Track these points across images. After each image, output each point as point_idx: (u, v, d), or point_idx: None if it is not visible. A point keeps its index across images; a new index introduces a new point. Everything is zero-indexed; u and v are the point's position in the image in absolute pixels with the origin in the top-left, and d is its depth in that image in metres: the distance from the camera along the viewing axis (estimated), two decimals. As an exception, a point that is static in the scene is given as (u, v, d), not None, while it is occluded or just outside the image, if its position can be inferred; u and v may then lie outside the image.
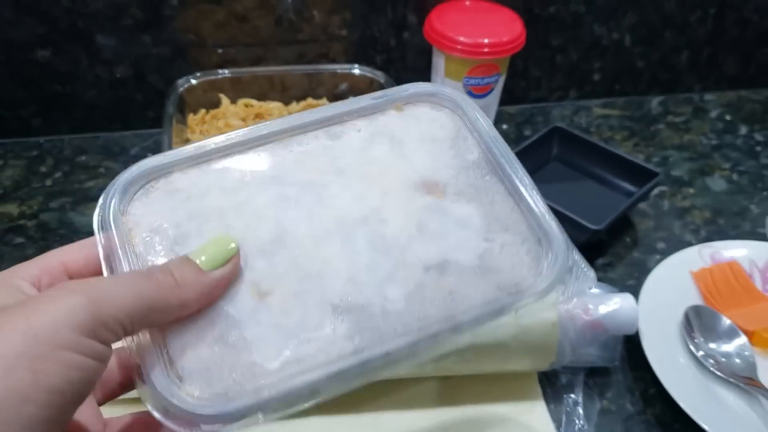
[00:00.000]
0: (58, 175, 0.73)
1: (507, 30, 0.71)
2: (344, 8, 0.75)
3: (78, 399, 0.24)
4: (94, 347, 0.24)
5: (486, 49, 0.69)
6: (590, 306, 0.52)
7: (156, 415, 0.27)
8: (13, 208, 0.69)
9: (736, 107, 0.87)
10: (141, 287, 0.27)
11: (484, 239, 0.33)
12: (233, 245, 0.30)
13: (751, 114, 0.86)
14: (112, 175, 0.72)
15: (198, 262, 0.29)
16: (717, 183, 0.75)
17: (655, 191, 0.74)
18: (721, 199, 0.73)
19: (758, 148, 0.81)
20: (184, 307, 0.28)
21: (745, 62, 0.88)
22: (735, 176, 0.76)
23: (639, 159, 0.72)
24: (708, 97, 0.89)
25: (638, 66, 0.86)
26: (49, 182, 0.72)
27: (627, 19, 0.81)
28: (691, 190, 0.74)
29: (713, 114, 0.86)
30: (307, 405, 0.28)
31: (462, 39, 0.69)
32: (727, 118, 0.85)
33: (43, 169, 0.74)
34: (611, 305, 0.53)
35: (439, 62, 0.73)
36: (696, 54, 0.86)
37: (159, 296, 0.27)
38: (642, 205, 0.72)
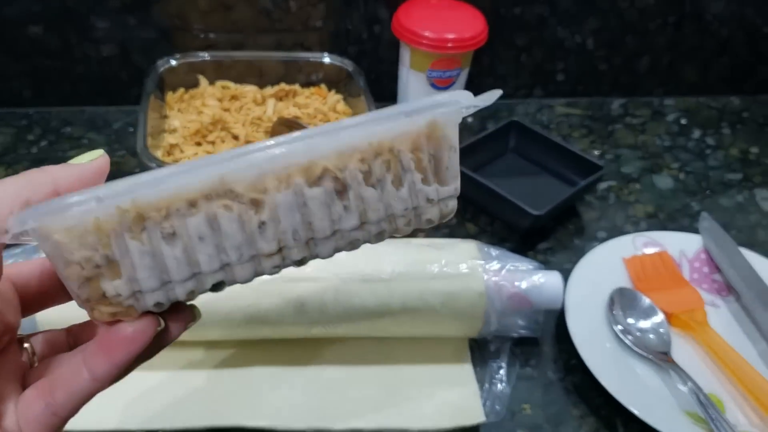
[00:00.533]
0: (44, 143, 0.78)
1: (469, 27, 0.75)
2: (320, 2, 0.80)
3: None
4: None
5: (449, 44, 0.74)
6: (517, 281, 0.57)
7: None
8: (0, 172, 0.74)
9: (694, 112, 0.92)
10: (4, 182, 0.27)
11: None
12: (100, 151, 0.30)
13: (706, 119, 0.91)
14: (94, 146, 0.77)
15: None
16: (664, 181, 0.80)
17: (604, 185, 0.78)
18: (665, 196, 0.78)
19: (708, 151, 0.85)
20: (57, 182, 0.28)
21: (703, 70, 0.92)
22: (681, 175, 0.81)
23: (588, 154, 0.77)
24: (668, 101, 0.93)
25: (600, 68, 0.90)
26: (35, 150, 0.77)
27: (589, 23, 0.86)
28: (638, 186, 0.79)
29: (670, 117, 0.91)
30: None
31: (426, 34, 0.74)
32: (683, 122, 0.90)
33: (31, 137, 0.79)
34: (537, 280, 0.57)
35: (405, 55, 0.78)
36: (656, 60, 0.90)
37: (25, 179, 0.27)
38: (589, 198, 0.76)
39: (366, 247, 0.33)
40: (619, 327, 0.59)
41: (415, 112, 0.30)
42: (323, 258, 0.30)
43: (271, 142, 0.28)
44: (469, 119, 0.87)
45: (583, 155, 0.74)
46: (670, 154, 0.84)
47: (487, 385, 0.56)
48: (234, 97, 0.79)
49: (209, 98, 0.77)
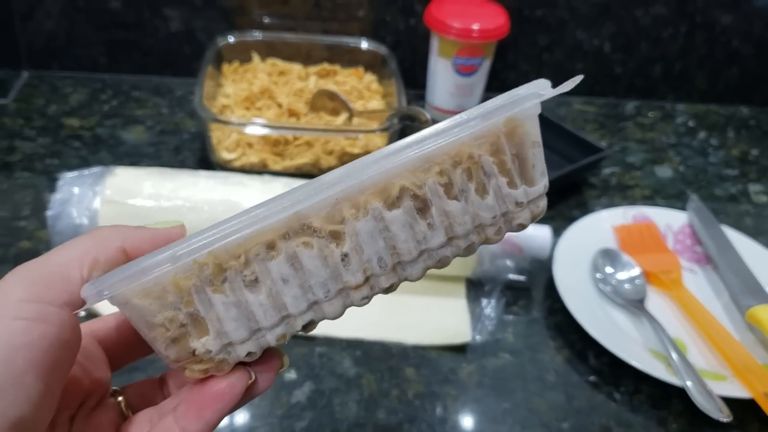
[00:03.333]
0: (114, 103, 0.89)
1: (493, 20, 0.85)
2: (364, -6, 0.91)
3: (43, 361, 0.25)
4: (38, 309, 0.25)
5: (473, 34, 0.84)
6: (511, 227, 0.65)
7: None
8: (75, 122, 0.85)
9: (702, 117, 0.99)
10: (70, 242, 0.28)
11: None
12: (179, 222, 0.30)
13: (713, 124, 0.98)
14: (158, 108, 0.88)
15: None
16: (664, 171, 0.87)
17: (608, 171, 0.86)
18: (663, 183, 0.85)
19: (710, 150, 0.92)
20: (125, 241, 0.28)
21: (713, 79, 1.00)
22: (681, 168, 0.88)
23: (593, 139, 0.85)
24: (679, 107, 1.01)
25: (616, 72, 0.98)
26: (106, 107, 0.88)
27: (606, 28, 0.94)
28: (639, 173, 0.86)
29: (679, 120, 0.98)
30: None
31: (454, 24, 0.84)
32: (691, 124, 0.97)
33: (103, 97, 0.90)
34: (530, 230, 0.66)
35: (434, 43, 0.87)
36: (669, 66, 0.98)
37: (92, 239, 0.28)
38: (593, 180, 0.84)
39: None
40: (599, 275, 0.67)
41: (490, 113, 0.28)
42: (413, 281, 0.29)
43: (341, 169, 0.27)
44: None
45: (589, 140, 0.83)
46: (674, 150, 0.92)
47: (477, 315, 0.64)
48: (281, 73, 0.89)
49: (260, 72, 0.88)
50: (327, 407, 0.56)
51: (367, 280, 0.28)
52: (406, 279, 0.29)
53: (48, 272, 0.26)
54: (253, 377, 0.29)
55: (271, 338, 0.28)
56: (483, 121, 0.28)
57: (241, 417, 0.54)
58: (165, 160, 0.80)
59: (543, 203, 0.30)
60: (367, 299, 0.29)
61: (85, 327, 0.31)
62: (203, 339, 0.27)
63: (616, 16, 0.93)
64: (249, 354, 0.28)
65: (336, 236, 0.27)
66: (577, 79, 0.29)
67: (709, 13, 0.93)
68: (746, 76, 0.99)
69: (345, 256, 0.27)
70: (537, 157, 0.29)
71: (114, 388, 0.33)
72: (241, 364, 0.28)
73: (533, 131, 0.29)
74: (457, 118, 0.28)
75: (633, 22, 0.94)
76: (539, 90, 0.29)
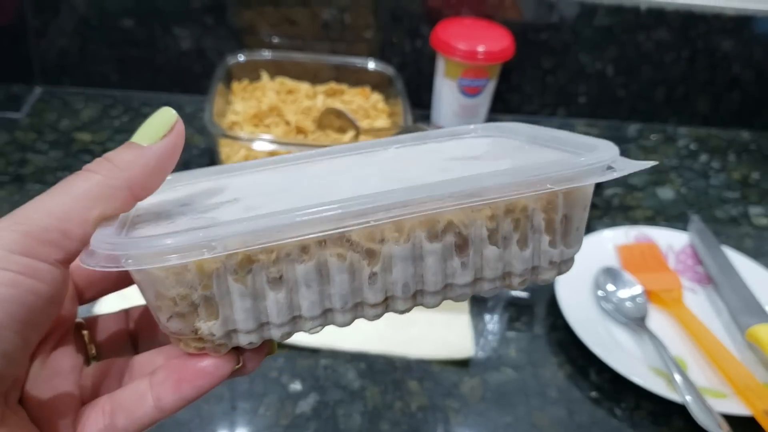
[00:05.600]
0: (125, 119, 0.91)
1: (498, 43, 0.86)
2: (371, 17, 0.92)
3: (24, 317, 0.24)
4: (28, 263, 0.24)
5: (478, 56, 0.85)
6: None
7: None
8: (86, 137, 0.87)
9: (704, 140, 1.00)
10: (73, 186, 0.25)
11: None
12: (172, 113, 0.27)
13: (715, 148, 0.99)
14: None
15: (137, 141, 0.27)
16: (665, 192, 0.89)
17: (610, 192, 0.87)
18: (665, 205, 0.86)
19: (711, 173, 0.94)
20: (133, 187, 0.26)
21: (715, 103, 1.01)
22: (683, 190, 0.89)
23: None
24: (681, 130, 1.02)
25: (619, 95, 1.00)
26: (117, 123, 0.90)
27: (609, 52, 0.96)
28: (641, 195, 0.87)
29: (681, 143, 0.99)
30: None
31: (459, 46, 0.85)
32: (692, 147, 0.99)
33: (114, 113, 0.92)
34: (532, 247, 0.67)
35: (440, 64, 0.89)
36: (671, 90, 1.00)
37: (98, 185, 0.25)
38: (596, 200, 0.85)
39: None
40: (601, 293, 0.68)
41: (561, 179, 0.27)
42: (427, 308, 0.29)
43: (394, 188, 0.26)
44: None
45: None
46: (675, 172, 0.93)
47: (480, 331, 0.65)
48: (290, 91, 0.91)
49: (268, 90, 0.90)
50: (331, 418, 0.56)
51: (385, 300, 0.28)
52: (421, 305, 0.29)
53: (46, 225, 0.24)
54: (241, 363, 0.28)
55: (276, 333, 0.27)
56: (552, 186, 0.27)
57: (246, 427, 0.55)
58: (174, 175, 0.81)
59: (572, 264, 0.30)
60: (378, 317, 0.28)
61: None
62: (210, 322, 0.26)
63: (619, 41, 0.95)
64: (250, 343, 0.27)
65: (371, 255, 0.27)
66: (652, 163, 0.29)
67: (711, 38, 0.95)
68: (747, 100, 1.01)
69: (373, 275, 0.27)
70: (583, 220, 0.29)
71: (79, 319, 0.31)
72: (233, 348, 0.28)
73: (589, 195, 0.29)
74: (527, 166, 0.27)
75: (635, 46, 0.95)
76: (612, 159, 0.28)
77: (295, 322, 0.27)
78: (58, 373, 0.28)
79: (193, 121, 0.92)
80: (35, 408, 0.27)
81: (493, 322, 0.66)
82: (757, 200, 0.89)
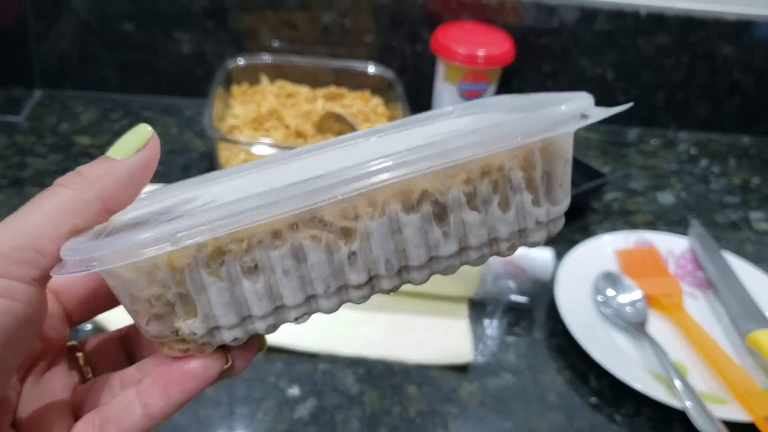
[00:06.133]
0: (125, 122, 0.91)
1: (497, 47, 0.86)
2: (371, 20, 0.92)
3: (1, 338, 0.23)
4: (3, 284, 0.23)
5: (478, 60, 0.85)
6: (514, 249, 0.66)
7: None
8: (86, 140, 0.87)
9: (704, 145, 1.00)
10: (43, 202, 0.25)
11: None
12: (147, 129, 0.27)
13: (715, 152, 0.99)
14: (167, 128, 0.90)
15: (111, 155, 0.27)
16: (666, 197, 0.88)
17: (610, 197, 0.87)
18: (665, 209, 0.86)
19: (711, 177, 0.93)
20: (105, 200, 0.26)
21: (715, 108, 1.01)
22: (683, 194, 0.89)
23: (595, 165, 0.86)
24: (681, 135, 1.02)
25: (619, 99, 1.00)
26: (116, 126, 0.90)
27: (609, 56, 0.96)
28: (641, 199, 0.87)
29: (681, 148, 0.99)
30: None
31: (459, 50, 0.85)
32: (692, 152, 0.98)
33: (114, 116, 0.92)
34: (531, 252, 0.67)
35: (440, 68, 0.89)
36: (671, 95, 1.00)
37: (69, 200, 0.25)
38: (596, 205, 0.85)
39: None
40: (600, 298, 0.67)
41: (532, 129, 0.26)
42: (416, 284, 0.28)
43: (363, 162, 0.25)
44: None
45: (591, 166, 0.84)
46: (676, 177, 0.93)
47: (479, 336, 0.65)
48: (289, 95, 0.91)
49: (268, 94, 0.90)
50: (329, 423, 0.56)
51: (369, 280, 0.27)
52: (408, 282, 0.28)
53: (18, 245, 0.24)
54: (230, 362, 0.27)
55: (260, 326, 0.26)
56: (523, 139, 0.26)
57: (243, 431, 0.55)
58: (173, 179, 0.80)
59: (561, 223, 0.29)
60: (365, 299, 0.27)
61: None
62: (189, 321, 0.25)
63: (619, 45, 0.95)
64: (235, 339, 0.26)
65: (346, 233, 0.25)
66: (626, 107, 0.29)
67: (711, 43, 0.95)
68: (747, 105, 1.01)
69: (352, 255, 0.26)
70: (565, 175, 0.28)
71: (72, 342, 0.31)
72: (220, 347, 0.27)
73: (567, 149, 0.28)
74: (497, 124, 0.26)
75: (636, 51, 0.95)
76: (584, 108, 0.27)
77: (278, 313, 0.26)
78: (50, 394, 0.28)
79: (192, 124, 0.92)
80: (28, 431, 0.27)
81: (492, 326, 0.66)
82: (758, 205, 0.88)
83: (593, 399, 0.61)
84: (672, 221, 0.84)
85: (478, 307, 0.68)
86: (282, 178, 0.30)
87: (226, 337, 0.26)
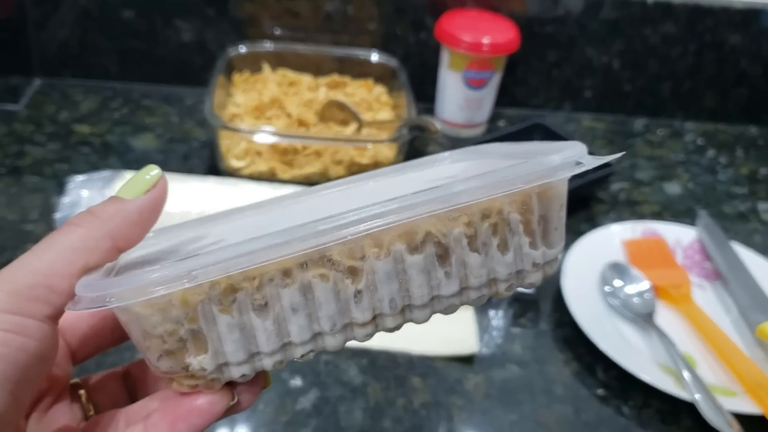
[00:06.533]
0: (124, 111, 0.90)
1: (503, 35, 0.85)
2: (374, 8, 0.91)
3: (16, 375, 0.24)
4: (16, 321, 0.24)
5: (483, 48, 0.84)
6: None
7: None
8: (85, 129, 0.85)
9: (711, 135, 0.99)
10: (56, 241, 0.26)
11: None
12: (155, 170, 0.28)
13: (722, 143, 0.98)
14: (168, 116, 0.89)
15: (121, 195, 0.28)
16: (673, 187, 0.87)
17: (616, 187, 0.86)
18: (672, 200, 0.85)
19: (718, 168, 0.92)
20: (116, 239, 0.27)
21: (722, 98, 1.00)
22: (690, 185, 0.88)
23: (601, 154, 0.84)
24: (688, 125, 1.01)
25: (625, 89, 0.99)
26: (116, 115, 0.89)
27: (616, 45, 0.94)
28: (648, 190, 0.86)
29: (688, 138, 0.98)
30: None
31: (464, 37, 0.84)
32: (699, 142, 0.97)
33: (114, 105, 0.91)
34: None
35: (445, 56, 0.88)
36: (678, 85, 0.98)
37: (81, 239, 0.26)
38: (602, 195, 0.84)
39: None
40: (608, 289, 0.66)
41: (531, 175, 0.28)
42: (417, 324, 0.29)
43: (370, 204, 0.26)
44: (501, 123, 0.96)
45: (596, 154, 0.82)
46: (683, 167, 0.91)
47: (484, 327, 0.64)
48: (291, 84, 0.89)
49: (270, 82, 0.88)
50: (332, 415, 0.55)
51: (374, 318, 0.27)
52: (411, 321, 0.28)
53: (32, 282, 0.25)
54: (236, 399, 0.28)
55: (268, 363, 0.27)
56: (523, 184, 0.27)
57: (245, 423, 0.54)
58: (174, 168, 0.80)
59: (556, 265, 0.30)
60: (369, 337, 0.28)
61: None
62: (200, 357, 0.26)
63: (625, 34, 0.94)
64: (243, 376, 0.27)
65: (353, 272, 0.26)
66: (617, 155, 0.31)
67: (719, 32, 0.94)
68: (755, 95, 1.00)
69: (358, 293, 0.27)
70: (561, 219, 0.30)
71: (74, 380, 0.31)
72: (227, 383, 0.27)
73: (562, 194, 0.29)
74: (497, 170, 0.28)
75: (642, 40, 0.94)
76: (579, 156, 0.28)
77: (285, 349, 0.27)
78: (54, 430, 0.29)
79: (193, 113, 0.91)
80: None
81: (497, 317, 0.65)
82: (766, 196, 0.87)
83: (600, 391, 0.60)
84: (679, 212, 0.83)
85: (483, 298, 0.67)
86: (285, 219, 0.32)
87: (235, 373, 0.27)
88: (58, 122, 0.86)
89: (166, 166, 0.80)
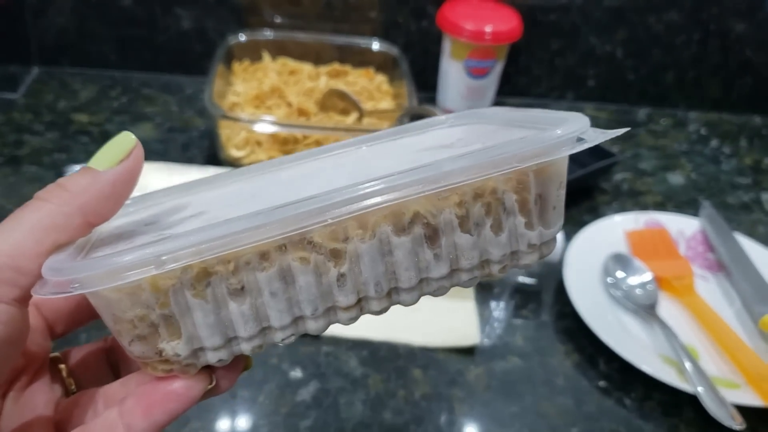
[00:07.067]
0: (124, 100, 0.89)
1: (505, 23, 0.84)
2: (376, -5, 0.90)
3: None
4: None
5: (486, 36, 0.83)
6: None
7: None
8: (84, 118, 0.85)
9: (715, 125, 0.98)
10: (23, 219, 0.24)
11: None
12: (130, 138, 0.26)
13: (726, 133, 0.97)
14: (167, 105, 0.88)
15: (93, 166, 0.26)
16: (676, 178, 0.87)
17: (619, 177, 0.85)
18: (675, 190, 0.84)
19: (722, 158, 0.91)
20: (87, 214, 0.25)
21: (727, 88, 0.99)
22: (693, 175, 0.87)
23: (605, 144, 0.84)
24: (692, 114, 1.00)
25: (629, 78, 0.98)
26: (115, 104, 0.88)
27: (619, 34, 0.94)
28: (651, 180, 0.85)
29: (692, 128, 0.97)
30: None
31: (466, 26, 0.83)
32: (703, 132, 0.96)
33: (113, 93, 0.90)
34: (540, 232, 0.65)
35: (446, 45, 0.87)
36: (682, 74, 0.97)
37: (49, 215, 0.24)
38: (605, 185, 0.83)
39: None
40: (610, 280, 0.66)
41: (528, 155, 0.26)
42: (405, 306, 0.27)
43: (355, 184, 0.24)
44: (502, 113, 0.95)
45: (601, 145, 0.82)
46: (686, 157, 0.91)
47: (485, 318, 0.63)
48: (292, 72, 0.89)
49: (270, 71, 0.88)
50: (332, 406, 0.55)
51: (358, 302, 0.26)
52: (398, 303, 0.27)
53: None
54: (214, 382, 0.27)
55: (246, 347, 0.26)
56: (519, 164, 0.25)
57: (244, 414, 0.54)
58: (173, 157, 0.79)
59: (554, 246, 0.29)
60: (354, 320, 0.27)
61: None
62: (173, 342, 0.25)
63: (629, 22, 0.93)
64: (220, 360, 0.26)
65: (336, 255, 0.25)
66: (623, 130, 0.28)
67: (723, 21, 0.93)
68: (759, 84, 0.99)
69: (341, 277, 0.25)
70: (559, 198, 0.28)
71: (54, 354, 0.30)
72: (205, 367, 0.26)
73: (562, 171, 0.27)
74: (492, 146, 0.26)
75: (646, 28, 0.93)
76: (580, 131, 0.26)
77: (264, 334, 0.26)
78: (32, 409, 0.27)
79: (193, 102, 0.90)
80: None
81: (499, 309, 0.65)
82: (770, 186, 0.87)
83: (602, 383, 0.59)
84: (682, 202, 0.82)
85: (484, 289, 0.66)
86: (272, 188, 0.30)
87: (211, 358, 0.26)
88: (57, 111, 0.85)
89: (166, 156, 0.79)
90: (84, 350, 0.31)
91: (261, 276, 0.24)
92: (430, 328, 0.62)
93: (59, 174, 0.71)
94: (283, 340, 0.26)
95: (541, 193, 0.27)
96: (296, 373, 0.57)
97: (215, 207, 0.28)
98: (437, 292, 0.27)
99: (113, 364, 0.32)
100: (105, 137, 0.82)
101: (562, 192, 0.28)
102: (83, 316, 0.30)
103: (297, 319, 0.26)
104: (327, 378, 0.57)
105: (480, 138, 0.32)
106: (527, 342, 0.62)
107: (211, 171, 0.68)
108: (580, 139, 0.26)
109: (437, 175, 0.24)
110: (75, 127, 0.83)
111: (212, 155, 0.80)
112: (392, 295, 0.27)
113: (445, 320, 0.63)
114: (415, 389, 0.57)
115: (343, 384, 0.57)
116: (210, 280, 0.24)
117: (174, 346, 0.25)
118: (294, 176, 0.32)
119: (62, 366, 0.30)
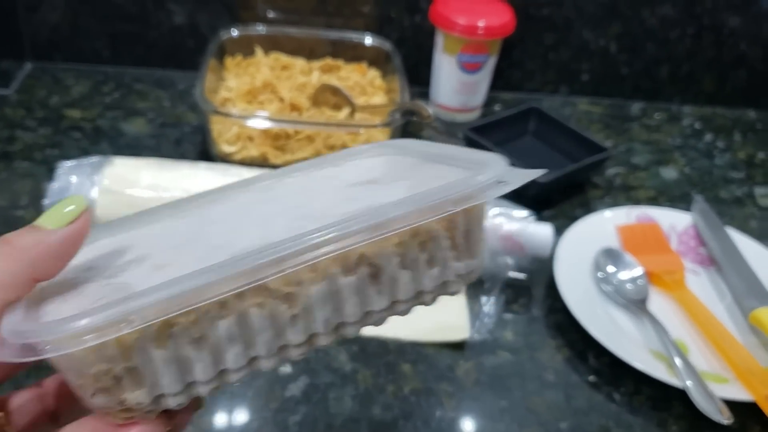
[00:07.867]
0: (116, 95, 0.89)
1: (498, 18, 0.84)
2: (369, -11, 0.90)
3: None
4: None
5: (478, 31, 0.83)
6: (511, 225, 0.65)
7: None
8: (76, 113, 0.85)
9: (708, 120, 0.98)
10: None
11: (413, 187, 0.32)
12: (82, 200, 0.27)
13: (720, 127, 0.97)
14: (159, 101, 0.88)
15: (41, 224, 0.26)
16: (669, 172, 0.87)
17: (612, 171, 0.85)
18: (668, 185, 0.84)
19: (715, 152, 0.91)
20: (35, 272, 0.25)
21: (721, 81, 0.99)
22: (687, 170, 0.87)
23: (597, 139, 0.84)
24: (686, 109, 1.00)
25: (623, 73, 0.98)
26: (108, 99, 0.88)
27: (613, 28, 0.93)
28: (644, 174, 0.85)
29: (686, 122, 0.97)
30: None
31: (459, 20, 0.83)
32: (697, 126, 0.96)
33: (105, 89, 0.90)
34: (530, 227, 0.65)
35: (439, 39, 0.87)
36: (676, 68, 0.97)
37: (5, 285, 0.25)
38: (597, 180, 0.83)
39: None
40: (601, 275, 0.66)
41: (460, 200, 0.28)
42: (349, 337, 0.29)
43: (306, 233, 0.26)
44: (497, 107, 0.95)
45: (593, 140, 0.82)
46: (679, 152, 0.91)
47: (476, 313, 0.63)
48: (284, 67, 0.88)
49: (262, 66, 0.88)
50: (321, 402, 0.55)
51: (308, 339, 0.28)
52: (343, 336, 0.29)
53: None
54: (172, 425, 0.27)
55: (204, 390, 0.27)
56: (453, 206, 0.28)
57: (234, 411, 0.54)
58: (165, 153, 0.79)
59: (478, 273, 0.32)
60: (303, 355, 0.28)
61: None
62: (136, 392, 0.25)
63: (622, 17, 0.92)
64: (179, 405, 0.27)
65: (289, 298, 0.27)
66: (541, 171, 0.31)
67: (717, 15, 0.92)
68: (754, 79, 0.98)
69: (294, 317, 0.27)
70: (481, 231, 0.31)
71: None
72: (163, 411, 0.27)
73: (485, 209, 0.31)
74: (429, 194, 0.28)
75: (640, 22, 0.93)
76: (502, 176, 0.29)
77: (221, 377, 0.27)
78: None
79: (185, 97, 0.90)
80: None
81: (489, 304, 0.65)
82: (763, 181, 0.87)
83: (592, 377, 0.60)
84: (675, 197, 0.82)
85: (475, 284, 0.66)
86: (211, 228, 0.31)
87: (171, 403, 0.26)
88: (49, 107, 0.85)
89: (158, 151, 0.79)
90: (20, 396, 0.30)
91: (220, 323, 0.26)
92: (420, 323, 0.62)
93: (52, 170, 0.71)
94: (237, 380, 0.28)
95: (468, 229, 0.30)
96: (285, 369, 0.57)
97: (155, 250, 0.29)
98: (377, 323, 0.30)
99: (52, 409, 0.31)
100: (97, 133, 0.82)
101: (483, 224, 0.31)
102: (18, 366, 0.29)
103: (252, 360, 0.27)
104: (316, 373, 0.57)
105: (403, 173, 0.35)
106: (517, 337, 0.62)
107: (202, 166, 0.68)
108: (500, 182, 0.29)
109: (384, 221, 0.26)
110: (67, 122, 0.83)
111: (204, 151, 0.80)
112: (339, 329, 0.29)
113: (435, 315, 0.62)
114: (404, 384, 0.57)
115: (332, 379, 0.57)
116: (172, 332, 0.25)
117: (137, 396, 0.25)
118: (226, 212, 0.33)
119: (1, 414, 0.29)
